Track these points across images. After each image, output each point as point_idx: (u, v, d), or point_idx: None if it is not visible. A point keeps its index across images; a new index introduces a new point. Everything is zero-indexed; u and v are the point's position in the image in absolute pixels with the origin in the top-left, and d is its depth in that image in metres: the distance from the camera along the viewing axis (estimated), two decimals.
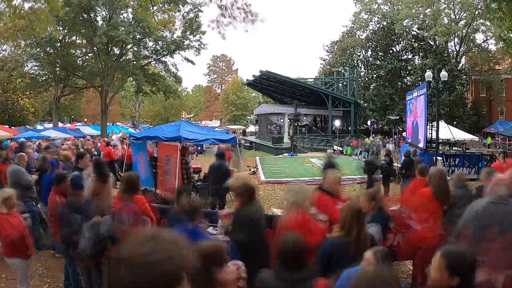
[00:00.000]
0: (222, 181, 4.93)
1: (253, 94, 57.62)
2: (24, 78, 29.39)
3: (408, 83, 36.63)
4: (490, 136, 29.10)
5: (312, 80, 36.02)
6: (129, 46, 27.25)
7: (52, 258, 5.06)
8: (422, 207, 3.74)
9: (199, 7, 26.79)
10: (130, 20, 25.97)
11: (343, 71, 36.93)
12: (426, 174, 4.34)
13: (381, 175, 9.36)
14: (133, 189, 3.49)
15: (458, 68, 33.72)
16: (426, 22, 33.17)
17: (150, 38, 26.77)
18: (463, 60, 35.75)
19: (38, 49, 25.55)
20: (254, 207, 3.21)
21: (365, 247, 2.33)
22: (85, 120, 46.13)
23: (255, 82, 32.49)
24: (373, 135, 24.82)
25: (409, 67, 36.64)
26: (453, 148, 17.67)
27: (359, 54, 40.96)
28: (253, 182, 3.29)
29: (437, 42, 34.04)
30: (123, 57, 27.88)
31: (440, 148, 15.51)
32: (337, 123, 27.29)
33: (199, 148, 20.75)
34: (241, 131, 41.15)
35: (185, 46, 27.89)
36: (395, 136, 21.25)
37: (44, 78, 28.38)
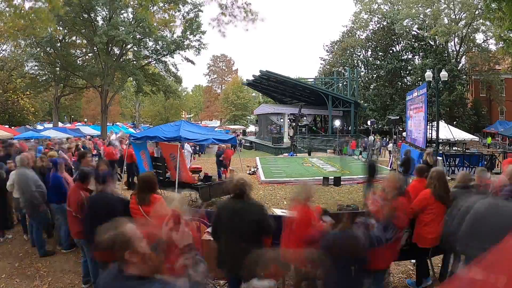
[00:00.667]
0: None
1: (253, 94, 57.62)
2: (24, 78, 29.35)
3: (408, 83, 36.63)
4: (490, 136, 29.11)
5: (312, 80, 36.02)
6: (129, 46, 27.22)
7: (55, 257, 5.07)
8: (423, 209, 3.76)
9: (199, 7, 26.78)
10: (130, 20, 25.94)
11: (343, 71, 36.93)
12: (424, 174, 4.37)
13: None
14: (150, 188, 3.46)
15: (458, 68, 33.71)
16: (426, 22, 33.17)
17: (150, 38, 26.73)
18: (463, 60, 35.76)
19: (38, 49, 25.51)
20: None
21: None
22: (85, 120, 46.13)
23: (255, 82, 32.49)
24: (373, 135, 24.83)
25: (409, 67, 36.64)
26: (453, 148, 17.66)
27: (359, 54, 40.98)
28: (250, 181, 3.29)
29: (437, 42, 34.04)
30: (123, 57, 27.85)
31: (440, 148, 15.50)
32: (337, 123, 27.30)
33: (197, 148, 20.73)
34: (241, 131, 41.21)
35: (185, 46, 27.85)
36: (395, 136, 21.25)
37: (44, 78, 28.33)
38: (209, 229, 4.42)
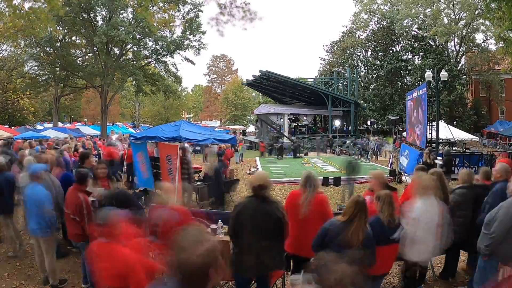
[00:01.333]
0: None
1: (253, 94, 57.63)
2: (24, 78, 29.34)
3: (408, 83, 36.67)
4: (488, 136, 29.10)
5: (312, 80, 36.05)
6: (129, 46, 27.21)
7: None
8: None
9: (199, 7, 26.80)
10: (130, 20, 25.93)
11: (343, 71, 36.95)
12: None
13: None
14: None
15: (458, 68, 33.73)
16: (426, 22, 33.19)
17: (150, 38, 26.72)
18: (463, 60, 35.79)
19: (38, 49, 25.49)
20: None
21: (357, 238, 2.62)
22: (85, 120, 46.14)
23: (255, 82, 32.50)
24: (372, 135, 24.87)
25: (409, 67, 36.66)
26: (453, 148, 17.65)
27: (359, 54, 41.00)
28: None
29: (437, 42, 34.05)
30: (123, 57, 27.84)
31: (440, 148, 15.49)
32: (337, 123, 27.30)
33: (197, 148, 20.67)
34: (241, 131, 41.19)
35: (185, 46, 27.85)
36: (395, 136, 21.23)
37: (44, 78, 28.33)
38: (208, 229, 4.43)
